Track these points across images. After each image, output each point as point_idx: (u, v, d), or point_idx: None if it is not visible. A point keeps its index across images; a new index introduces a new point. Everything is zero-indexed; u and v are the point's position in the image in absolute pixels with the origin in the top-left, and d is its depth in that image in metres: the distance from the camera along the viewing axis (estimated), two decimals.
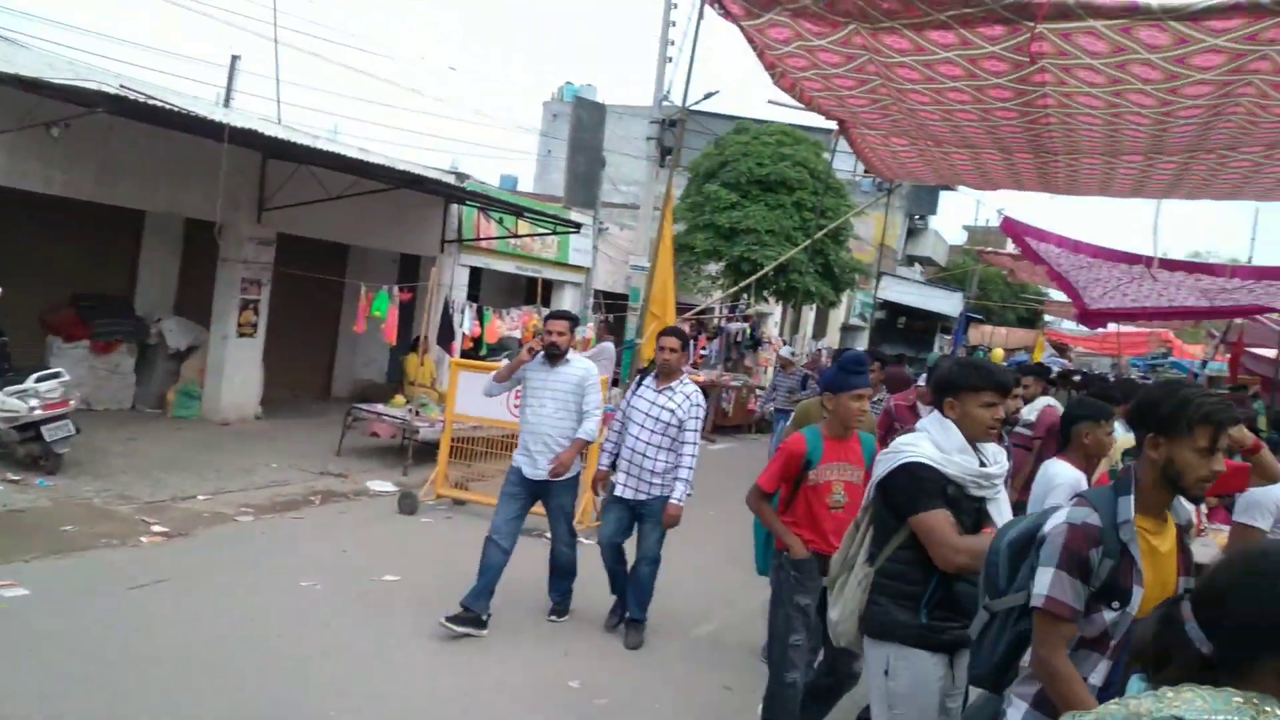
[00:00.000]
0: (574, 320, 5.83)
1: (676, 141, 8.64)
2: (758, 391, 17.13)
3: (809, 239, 15.20)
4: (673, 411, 5.37)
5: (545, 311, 15.93)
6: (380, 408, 10.96)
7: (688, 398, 5.43)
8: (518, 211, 13.68)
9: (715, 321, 19.69)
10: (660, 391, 5.45)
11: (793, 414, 5.90)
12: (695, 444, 5.41)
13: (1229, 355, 17.76)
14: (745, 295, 18.71)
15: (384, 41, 73.57)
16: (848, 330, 31.66)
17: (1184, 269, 12.42)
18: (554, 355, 5.55)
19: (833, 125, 9.74)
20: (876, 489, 3.09)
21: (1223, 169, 8.79)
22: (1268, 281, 12.52)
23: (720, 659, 5.55)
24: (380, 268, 14.92)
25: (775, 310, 24.02)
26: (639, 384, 5.59)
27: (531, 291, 16.12)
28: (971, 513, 3.01)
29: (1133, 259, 12.14)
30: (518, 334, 12.91)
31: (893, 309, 32.94)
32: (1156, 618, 1.48)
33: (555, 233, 15.03)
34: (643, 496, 5.41)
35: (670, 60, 17.35)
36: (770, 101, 11.85)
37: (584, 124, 18.92)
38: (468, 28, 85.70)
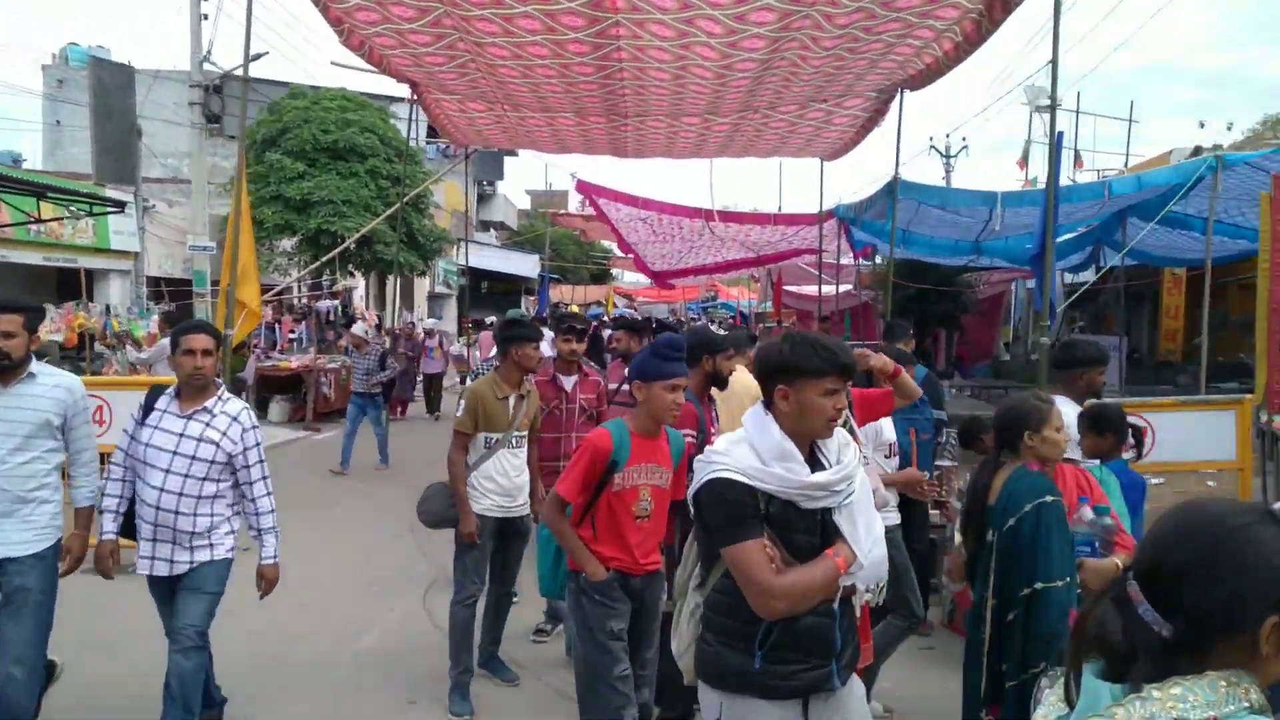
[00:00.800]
0: (33, 312, 3.84)
1: (241, 109, 7.64)
2: None
3: (390, 208, 14.67)
4: (215, 444, 3.75)
5: (94, 307, 13.88)
6: None
7: (234, 420, 3.82)
8: (38, 192, 11.47)
9: (301, 301, 18.34)
10: (189, 417, 3.76)
11: (461, 400, 4.82)
12: (266, 478, 3.89)
13: (773, 295, 20.33)
14: (328, 270, 17.66)
15: None
16: (435, 299, 31.43)
17: (737, 220, 13.85)
18: (2, 369, 3.66)
19: (400, 90, 9.38)
20: (692, 502, 2.51)
21: (766, 129, 9.88)
22: (798, 227, 14.42)
23: (393, 671, 4.95)
24: None
25: (360, 283, 23.04)
26: (148, 409, 3.82)
27: (71, 285, 13.74)
28: (813, 529, 2.40)
29: (695, 213, 13.30)
30: (59, 337, 10.92)
31: (476, 274, 33.26)
32: (1109, 601, 1.31)
33: (92, 214, 12.90)
34: (183, 569, 3.76)
35: (206, 17, 15.66)
36: (334, 63, 11.17)
37: (108, 89, 16.45)
38: None
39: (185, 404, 3.81)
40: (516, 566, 4.89)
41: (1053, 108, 5.14)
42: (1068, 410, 3.84)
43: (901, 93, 8.13)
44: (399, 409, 15.23)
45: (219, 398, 3.86)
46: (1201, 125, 55.63)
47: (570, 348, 5.24)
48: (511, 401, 4.67)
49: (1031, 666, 2.73)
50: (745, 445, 2.42)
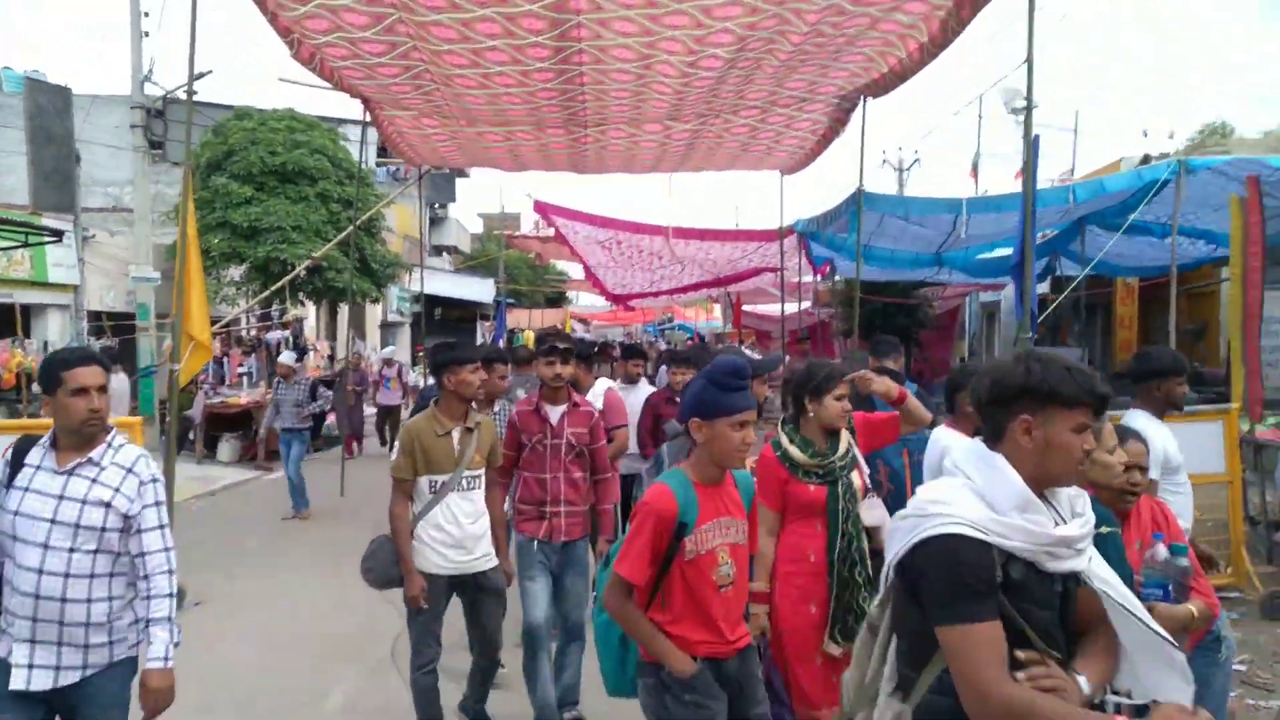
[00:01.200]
0: None
1: (186, 128, 7.26)
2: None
3: (341, 233, 14.32)
4: (105, 505, 2.90)
5: (29, 344, 13.32)
6: None
7: (129, 472, 2.96)
8: None
9: (250, 333, 17.82)
10: (69, 473, 2.91)
11: (396, 442, 4.23)
12: (169, 549, 3.00)
13: (732, 315, 20.31)
14: (278, 300, 17.18)
15: None
16: (388, 327, 30.95)
17: (699, 236, 13.76)
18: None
19: (350, 110, 9.10)
20: (896, 573, 2.01)
21: (726, 135, 9.75)
22: (758, 244, 14.36)
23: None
24: None
25: (310, 313, 22.55)
26: (15, 466, 2.95)
27: (6, 321, 13.18)
28: (1050, 601, 1.92)
29: (655, 230, 13.20)
30: None
31: (429, 301, 32.87)
32: None
33: (28, 244, 12.39)
34: (74, 677, 2.88)
35: (146, 35, 15.24)
36: (282, 79, 10.84)
37: (45, 113, 15.96)
38: None
39: (64, 456, 2.93)
40: (497, 633, 4.36)
41: (1028, 109, 5.08)
42: (1148, 425, 3.51)
43: (864, 102, 8.06)
44: (354, 446, 14.80)
45: (109, 445, 2.99)
46: (1145, 134, 57.47)
47: (554, 371, 4.43)
48: (456, 436, 4.09)
49: None
50: (967, 492, 1.93)
